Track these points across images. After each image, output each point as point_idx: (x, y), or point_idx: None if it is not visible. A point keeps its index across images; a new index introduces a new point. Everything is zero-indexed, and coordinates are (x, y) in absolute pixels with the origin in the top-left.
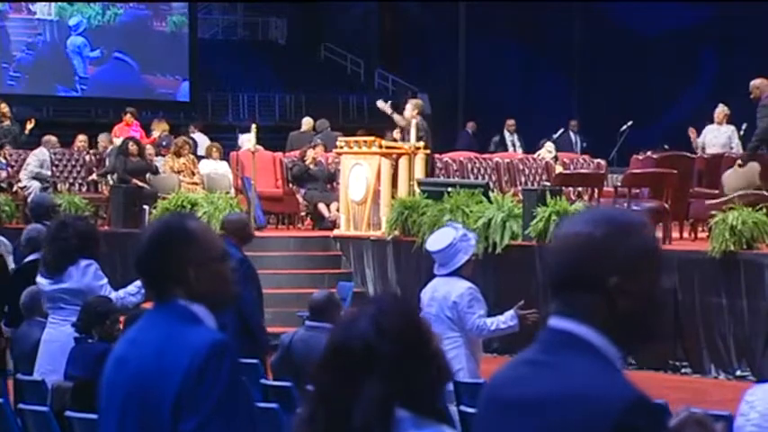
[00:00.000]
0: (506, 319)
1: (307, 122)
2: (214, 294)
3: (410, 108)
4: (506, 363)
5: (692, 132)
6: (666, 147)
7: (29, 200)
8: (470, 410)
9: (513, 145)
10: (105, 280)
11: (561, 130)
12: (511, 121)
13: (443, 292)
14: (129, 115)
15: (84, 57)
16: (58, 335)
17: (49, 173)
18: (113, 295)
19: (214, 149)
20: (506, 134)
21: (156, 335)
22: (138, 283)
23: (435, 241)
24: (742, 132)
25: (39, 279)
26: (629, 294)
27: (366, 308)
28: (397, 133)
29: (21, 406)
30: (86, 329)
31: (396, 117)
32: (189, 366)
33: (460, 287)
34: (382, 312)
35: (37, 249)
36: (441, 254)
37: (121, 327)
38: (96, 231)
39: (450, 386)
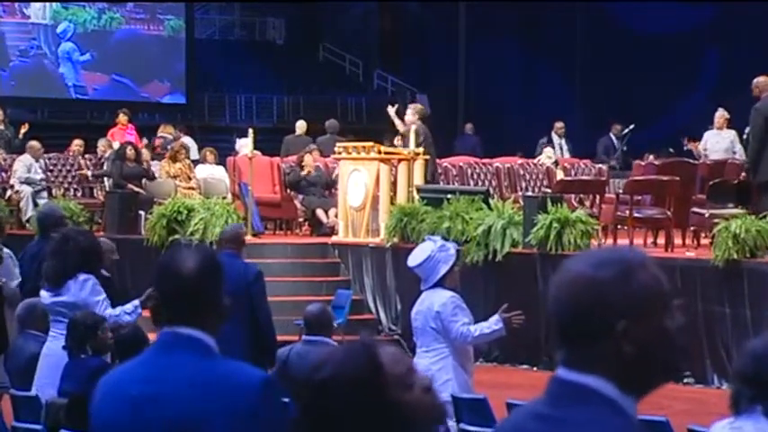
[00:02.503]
0: (491, 324)
1: (300, 126)
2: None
3: (410, 113)
4: (515, 412)
5: (692, 145)
6: (672, 150)
7: (20, 204)
8: (472, 428)
9: (561, 149)
10: (103, 296)
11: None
12: (559, 124)
13: (427, 304)
14: (122, 116)
15: (74, 62)
16: (56, 348)
17: (39, 176)
18: (109, 312)
19: (208, 153)
20: (554, 137)
21: (182, 372)
22: (135, 302)
23: (415, 257)
24: (744, 137)
25: (42, 292)
26: (638, 338)
27: (326, 364)
28: (398, 140)
29: (14, 424)
30: (80, 346)
31: (397, 122)
32: (241, 406)
33: (443, 297)
34: (335, 372)
35: None
36: (421, 268)
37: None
38: (99, 246)
39: (449, 398)
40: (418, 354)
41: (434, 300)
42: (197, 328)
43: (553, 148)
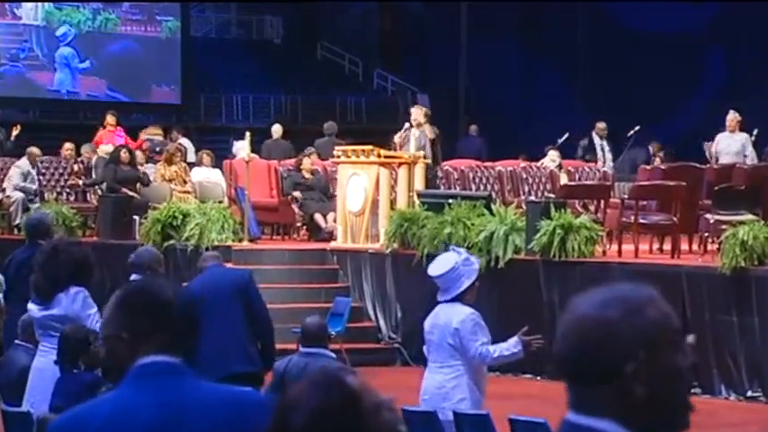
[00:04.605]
0: (510, 346)
1: (276, 130)
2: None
3: (420, 115)
4: None
5: (707, 147)
6: (673, 152)
7: (11, 209)
8: None
9: (603, 150)
10: (95, 309)
11: (566, 135)
12: (602, 125)
13: (445, 319)
14: (110, 117)
15: (72, 68)
16: (48, 362)
17: (34, 186)
18: (100, 324)
19: (205, 156)
20: (595, 138)
21: (188, 394)
22: None
23: (437, 266)
24: (753, 138)
25: (29, 305)
26: (648, 380)
27: (299, 407)
28: (399, 137)
29: None
30: (72, 361)
31: (428, 129)
32: (264, 422)
33: (462, 313)
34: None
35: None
36: (443, 278)
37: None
38: (90, 258)
39: (450, 416)
40: (431, 368)
41: (453, 315)
42: (172, 355)
43: (594, 149)
